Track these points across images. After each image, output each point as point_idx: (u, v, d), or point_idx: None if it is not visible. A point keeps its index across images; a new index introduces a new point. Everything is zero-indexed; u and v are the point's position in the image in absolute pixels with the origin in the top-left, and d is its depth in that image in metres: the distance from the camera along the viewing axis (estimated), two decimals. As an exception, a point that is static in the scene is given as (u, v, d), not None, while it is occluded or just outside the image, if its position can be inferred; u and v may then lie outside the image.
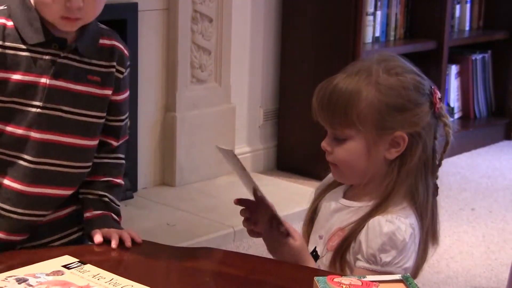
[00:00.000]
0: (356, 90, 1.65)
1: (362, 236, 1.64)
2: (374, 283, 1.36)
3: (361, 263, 1.63)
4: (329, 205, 1.75)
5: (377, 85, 1.65)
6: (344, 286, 1.34)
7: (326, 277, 1.37)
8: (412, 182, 1.68)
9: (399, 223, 1.63)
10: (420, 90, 1.68)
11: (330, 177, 1.81)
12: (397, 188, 1.67)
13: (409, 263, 1.64)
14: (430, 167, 1.71)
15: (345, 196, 1.75)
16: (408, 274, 1.42)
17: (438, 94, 1.71)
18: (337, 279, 1.36)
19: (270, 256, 1.74)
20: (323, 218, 1.76)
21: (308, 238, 1.78)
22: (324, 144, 1.71)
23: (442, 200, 4.21)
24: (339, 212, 1.72)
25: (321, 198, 1.79)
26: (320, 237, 1.73)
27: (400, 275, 1.41)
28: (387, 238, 1.61)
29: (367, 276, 1.39)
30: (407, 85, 1.67)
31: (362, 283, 1.35)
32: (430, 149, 1.71)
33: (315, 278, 1.38)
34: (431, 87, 1.71)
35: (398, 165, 1.67)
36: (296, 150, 4.18)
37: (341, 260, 1.67)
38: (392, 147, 1.67)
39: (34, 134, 1.69)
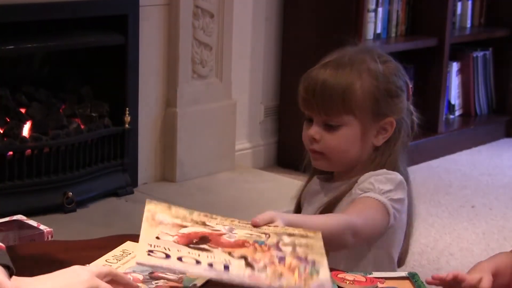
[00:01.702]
0: (352, 76, 1.69)
1: (353, 190, 1.67)
2: (379, 279, 1.36)
3: (358, 196, 1.65)
4: (310, 194, 1.81)
5: (370, 72, 1.70)
6: (347, 282, 1.33)
7: (330, 273, 1.37)
8: (396, 164, 1.73)
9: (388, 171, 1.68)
10: (401, 77, 1.75)
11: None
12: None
13: (404, 214, 1.69)
14: (407, 147, 1.78)
15: (324, 181, 1.79)
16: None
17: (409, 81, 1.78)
18: (341, 275, 1.36)
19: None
20: (307, 207, 1.80)
21: None
22: (312, 133, 1.72)
23: (442, 197, 4.22)
24: (321, 193, 1.77)
25: (301, 193, 1.86)
26: None
27: (406, 272, 1.40)
28: (381, 176, 1.65)
29: (373, 272, 1.39)
30: (395, 72, 1.73)
31: (366, 279, 1.35)
32: (409, 131, 1.77)
33: (318, 274, 1.37)
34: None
35: (382, 151, 1.72)
36: (296, 146, 4.13)
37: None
38: (379, 134, 1.72)
39: None
